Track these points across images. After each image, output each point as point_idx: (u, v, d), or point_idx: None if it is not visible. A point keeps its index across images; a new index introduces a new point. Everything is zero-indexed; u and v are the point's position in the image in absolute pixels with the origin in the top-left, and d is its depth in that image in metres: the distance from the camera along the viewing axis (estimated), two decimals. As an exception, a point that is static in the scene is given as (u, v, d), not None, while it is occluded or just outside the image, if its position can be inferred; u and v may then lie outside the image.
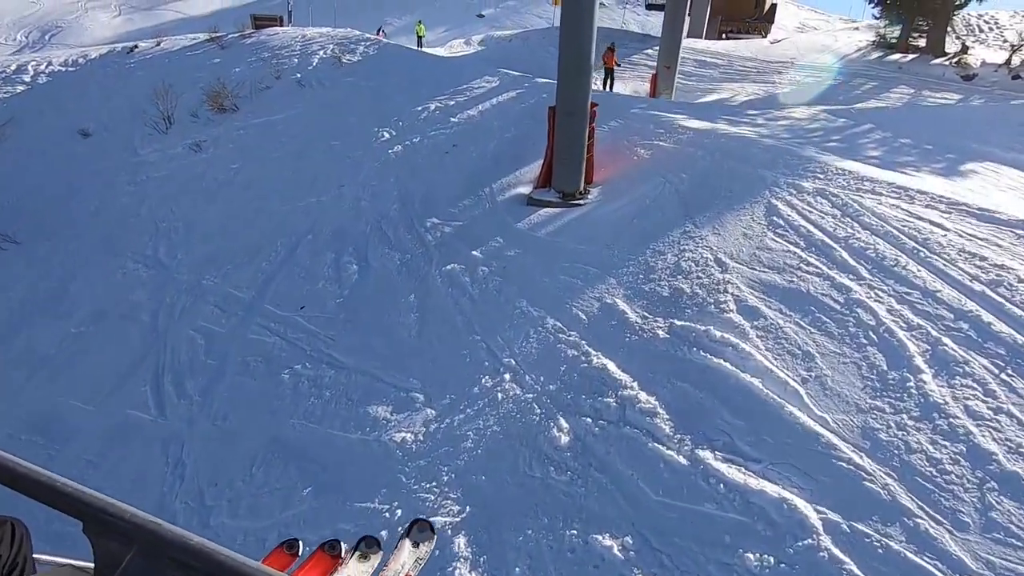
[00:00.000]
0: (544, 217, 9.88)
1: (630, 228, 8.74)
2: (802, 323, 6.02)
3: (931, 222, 7.02)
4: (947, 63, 19.15)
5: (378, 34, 31.33)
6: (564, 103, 10.35)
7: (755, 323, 6.19)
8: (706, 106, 15.50)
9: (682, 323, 6.51)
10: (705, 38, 31.67)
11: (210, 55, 27.13)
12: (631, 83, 21.45)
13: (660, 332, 6.50)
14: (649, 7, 36.43)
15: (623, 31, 29.28)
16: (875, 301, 5.97)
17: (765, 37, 36.30)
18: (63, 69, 27.99)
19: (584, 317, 7.18)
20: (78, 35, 46.38)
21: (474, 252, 9.30)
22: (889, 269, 6.36)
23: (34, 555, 1.30)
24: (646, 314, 6.88)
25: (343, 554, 1.95)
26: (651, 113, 13.12)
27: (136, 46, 28.99)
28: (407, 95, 17.53)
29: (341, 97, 19.02)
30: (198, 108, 20.74)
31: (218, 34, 29.90)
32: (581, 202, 10.19)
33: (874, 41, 21.73)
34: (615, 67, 19.93)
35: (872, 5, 22.10)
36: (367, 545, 1.94)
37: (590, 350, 6.59)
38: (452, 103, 16.15)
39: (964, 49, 19.48)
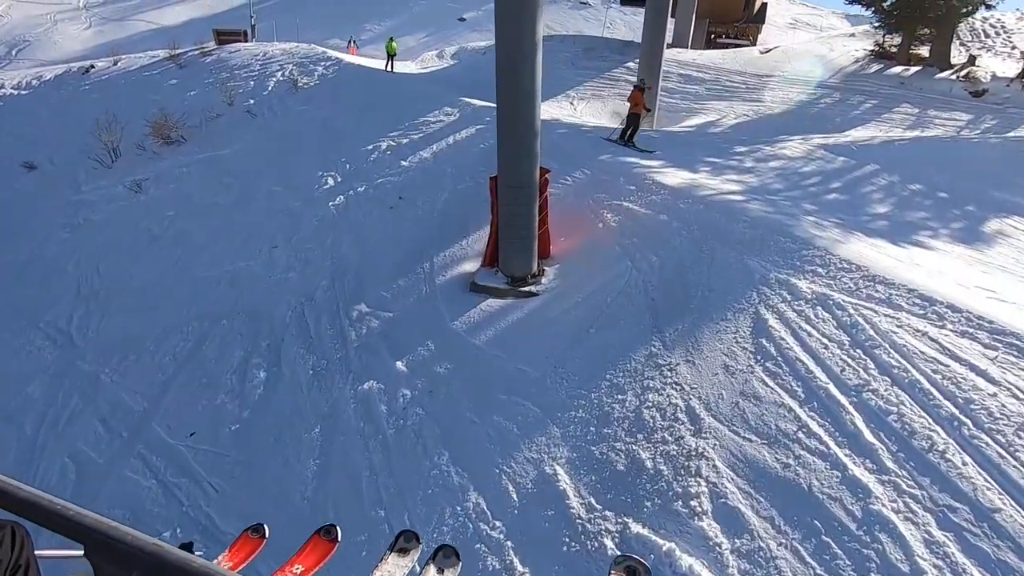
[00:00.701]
0: (486, 313, 8.01)
1: (585, 342, 6.88)
2: (803, 550, 4.18)
3: (971, 366, 5.16)
4: (954, 77, 17.19)
5: (349, 47, 29.27)
6: (507, 175, 8.42)
7: (737, 543, 4.34)
8: (688, 141, 13.56)
9: (639, 529, 4.68)
10: (691, 46, 29.62)
11: (168, 75, 25.15)
12: (610, 103, 19.48)
13: (608, 543, 4.67)
14: (627, 1, 33.03)
15: (603, 38, 27.22)
16: (905, 520, 4.13)
17: (755, 44, 34.24)
18: (15, 92, 25.98)
19: (515, 496, 5.34)
20: (46, 50, 44.17)
21: (398, 364, 7.45)
22: (921, 457, 4.52)
23: (36, 552, 1.24)
24: (594, 502, 5.04)
25: (339, 538, 2.09)
26: (622, 161, 11.20)
27: (92, 66, 26.97)
28: (359, 129, 15.61)
29: (291, 130, 17.09)
30: (145, 139, 18.85)
31: (177, 52, 27.90)
32: (532, 289, 8.31)
33: (872, 51, 19.68)
34: (644, 112, 17.46)
35: (870, 12, 20.04)
36: (406, 540, 1.93)
37: (516, 563, 4.76)
38: (405, 141, 14.23)
39: (972, 60, 17.50)
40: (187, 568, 0.87)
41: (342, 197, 12.64)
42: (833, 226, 8.22)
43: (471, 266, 9.25)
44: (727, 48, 31.48)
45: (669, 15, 17.38)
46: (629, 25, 43.59)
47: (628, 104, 16.65)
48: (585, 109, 19.41)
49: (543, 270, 8.77)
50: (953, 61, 17.93)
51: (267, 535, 2.13)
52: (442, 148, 13.51)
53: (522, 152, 8.12)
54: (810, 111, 16.97)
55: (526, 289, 8.31)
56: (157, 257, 13.52)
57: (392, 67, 24.00)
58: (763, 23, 34.23)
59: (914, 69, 17.96)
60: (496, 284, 8.44)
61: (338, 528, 2.04)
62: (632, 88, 16.22)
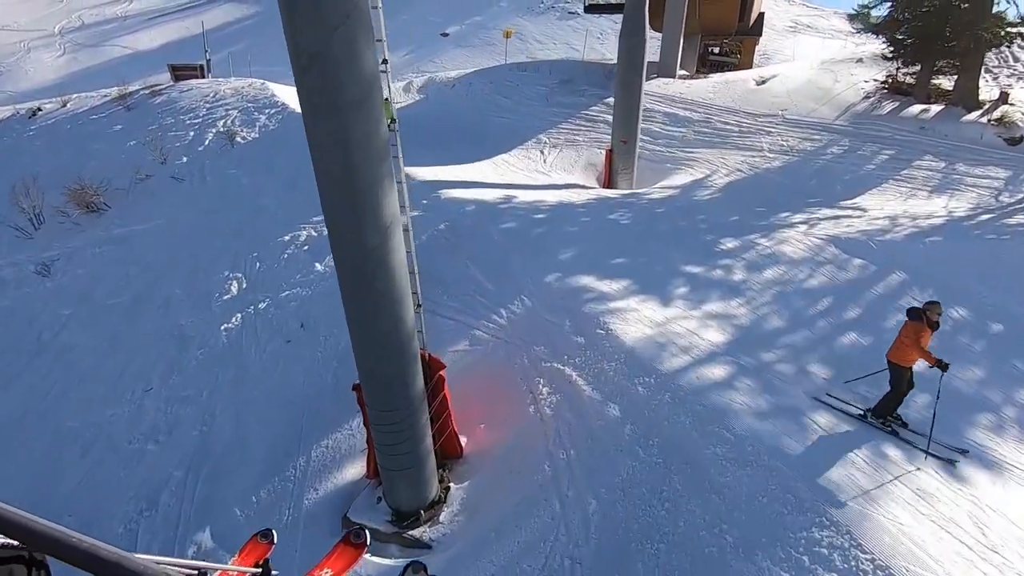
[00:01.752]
0: (351, 588, 5.36)
1: None
2: None
3: None
4: (984, 120, 14.23)
5: None
6: (374, 398, 5.64)
7: None
8: (667, 226, 10.71)
9: None
10: (683, 67, 26.59)
11: (114, 119, 22.57)
12: (586, 151, 16.67)
13: None
14: (591, 9, 28.63)
15: (584, 63, 24.32)
16: None
17: (751, 63, 31.08)
18: (-46, 142, 23.50)
19: None
20: (17, 80, 41.71)
21: None
22: None
23: None
24: None
25: (368, 542, 2.19)
26: (575, 286, 8.44)
27: (39, 109, 24.47)
28: (283, 209, 12.97)
29: (215, 203, 14.47)
30: (67, 204, 16.34)
31: (127, 91, 25.35)
32: (424, 537, 5.64)
33: (884, 83, 16.66)
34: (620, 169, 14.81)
35: (882, 43, 16.90)
36: (414, 571, 1.91)
37: None
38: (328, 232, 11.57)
39: (1004, 98, 14.51)
40: None
41: (239, 316, 10.02)
42: (864, 450, 5.46)
43: (356, 470, 6.60)
44: (723, 67, 28.44)
45: (645, 53, 14.49)
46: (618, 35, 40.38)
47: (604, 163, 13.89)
48: (557, 160, 16.60)
49: (448, 488, 6.09)
50: (982, 97, 14.97)
51: (275, 540, 2.14)
52: (366, 246, 10.83)
53: (392, 374, 5.32)
54: (814, 164, 14.10)
55: (415, 535, 5.65)
56: (33, 381, 11.02)
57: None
58: (760, 34, 31.05)
59: (936, 109, 14.99)
60: (376, 524, 5.77)
61: (367, 532, 2.07)
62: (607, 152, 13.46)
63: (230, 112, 19.90)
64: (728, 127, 16.55)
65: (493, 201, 11.61)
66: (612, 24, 40.78)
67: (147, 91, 24.35)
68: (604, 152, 15.20)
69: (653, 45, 24.97)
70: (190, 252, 12.63)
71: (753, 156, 15.13)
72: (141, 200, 16.11)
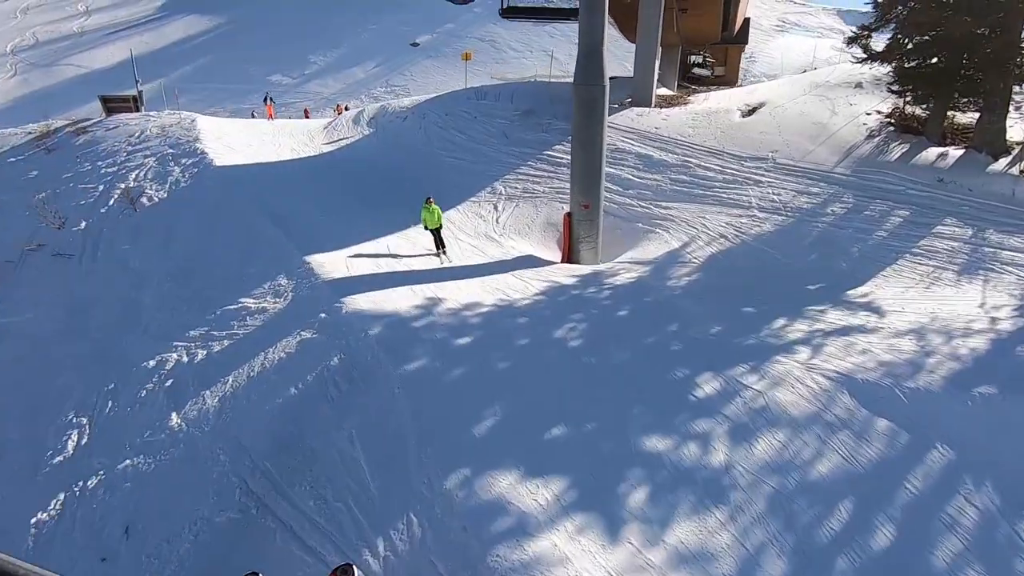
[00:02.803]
0: None
1: None
2: None
3: None
4: (1016, 170, 11.47)
5: (266, 104, 23.58)
6: None
7: None
8: (626, 353, 7.95)
9: None
10: (660, 84, 23.69)
11: (31, 164, 19.65)
12: (544, 206, 13.84)
13: None
14: (508, 13, 21.10)
15: (551, 85, 21.47)
16: None
17: (736, 76, 28.16)
18: None
19: None
20: (-34, 104, 38.52)
21: None
22: None
23: None
24: None
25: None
26: (482, 502, 5.70)
27: (-46, 150, 21.54)
28: (159, 314, 10.22)
29: (93, 292, 11.69)
30: (-51, 282, 13.54)
31: (52, 128, 22.43)
32: None
33: (890, 118, 13.85)
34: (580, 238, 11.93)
35: (888, 73, 13.83)
36: (343, 571, 1.97)
37: None
38: (200, 356, 8.81)
39: (1037, 142, 11.81)
40: None
41: (61, 499, 7.33)
42: None
43: None
44: (704, 83, 25.52)
45: (607, 103, 11.62)
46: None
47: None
48: (511, 219, 13.80)
49: None
50: (1009, 137, 12.20)
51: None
52: (234, 386, 8.07)
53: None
54: (812, 229, 11.33)
55: None
56: None
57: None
58: (746, 42, 28.11)
59: (955, 154, 12.18)
60: None
61: (355, 568, 1.89)
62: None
63: (147, 160, 17.03)
64: (710, 174, 13.75)
65: (410, 312, 8.85)
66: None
67: (72, 129, 21.42)
68: (563, 217, 12.39)
69: (627, 59, 22.00)
70: (42, 369, 9.88)
71: (740, 216, 12.36)
72: (25, 280, 13.35)
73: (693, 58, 27.87)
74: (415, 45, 38.61)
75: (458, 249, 12.29)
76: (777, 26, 39.41)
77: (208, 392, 8.15)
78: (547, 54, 38.13)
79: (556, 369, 7.63)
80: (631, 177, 14.37)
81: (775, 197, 12.64)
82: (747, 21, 27.23)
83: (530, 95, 19.20)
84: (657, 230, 12.59)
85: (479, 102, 19.23)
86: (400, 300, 9.21)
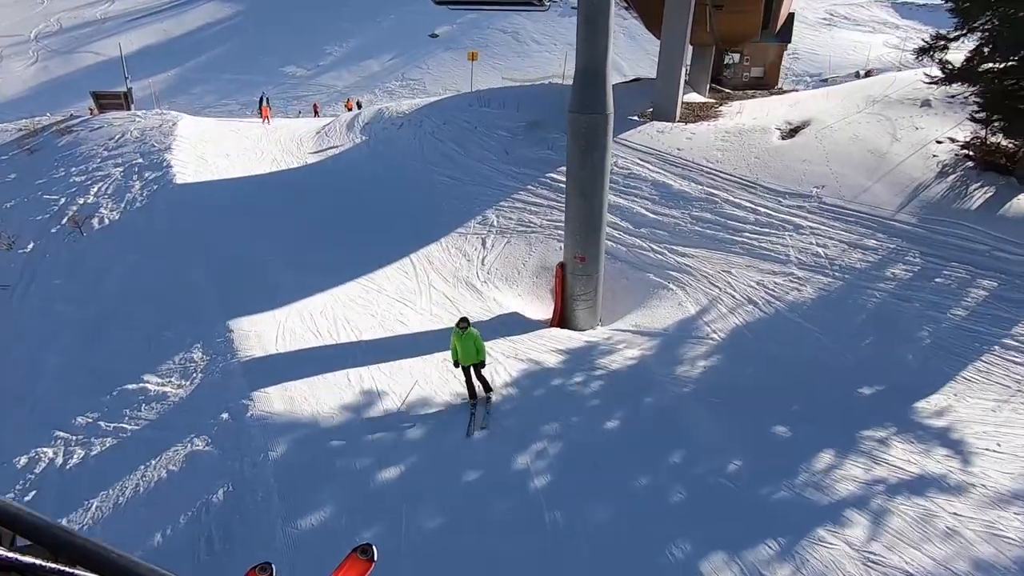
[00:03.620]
0: None
1: None
2: None
3: None
4: None
5: (261, 107, 21.45)
6: None
7: None
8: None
9: None
10: (689, 87, 20.83)
11: (11, 166, 18.15)
12: (540, 247, 11.34)
13: None
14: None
15: (561, 88, 19.01)
16: None
17: (776, 79, 24.93)
18: None
19: None
20: (-13, 91, 37.66)
21: None
22: None
23: None
24: None
25: (375, 558, 2.01)
26: None
27: (-60, 149, 20.20)
28: (68, 373, 8.34)
29: (4, 339, 9.90)
30: None
31: (39, 127, 20.91)
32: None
33: (968, 152, 10.93)
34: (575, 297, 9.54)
35: (968, 92, 10.75)
36: (261, 570, 1.92)
37: None
38: (73, 462, 6.86)
39: None
40: None
41: None
42: None
43: None
44: (746, 91, 22.47)
45: (609, 136, 9.10)
46: (631, 35, 34.36)
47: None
48: (499, 260, 11.46)
49: None
50: None
51: (376, 558, 1.99)
52: (95, 516, 6.04)
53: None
54: (867, 300, 8.67)
55: None
56: None
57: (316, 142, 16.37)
58: (789, 41, 24.85)
59: (1058, 201, 9.38)
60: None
61: (374, 548, 1.94)
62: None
63: (114, 171, 15.19)
64: (740, 214, 11.14)
65: (334, 419, 6.67)
66: (620, 23, 34.51)
67: (61, 127, 19.82)
68: (555, 267, 9.96)
69: (653, 50, 18.98)
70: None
71: (774, 273, 9.78)
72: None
73: (728, 58, 24.80)
74: (434, 36, 36.09)
75: (428, 302, 10.03)
76: (824, 20, 35.61)
77: (65, 520, 6.14)
78: (572, 48, 35.22)
79: (506, 535, 5.35)
80: (644, 212, 11.85)
81: (820, 250, 10.01)
82: (791, 17, 23.96)
83: (538, 103, 16.67)
84: (671, 285, 10.10)
85: (481, 110, 16.83)
86: (327, 396, 7.02)
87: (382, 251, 11.60)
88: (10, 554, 0.87)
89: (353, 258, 11.19)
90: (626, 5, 20.75)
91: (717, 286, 9.83)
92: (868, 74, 24.90)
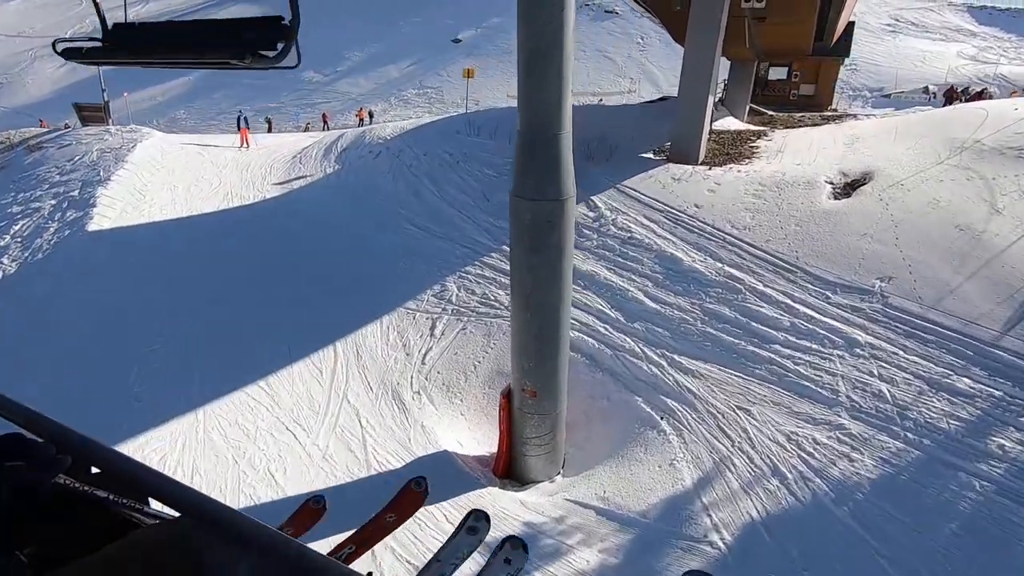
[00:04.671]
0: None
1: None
2: None
3: None
4: None
5: (239, 128, 18.68)
6: None
7: None
8: None
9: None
10: (722, 107, 17.33)
11: (-27, 185, 16.36)
12: (498, 343, 8.32)
13: None
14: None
15: (576, 107, 15.69)
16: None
17: (830, 98, 20.97)
18: None
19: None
20: (16, 93, 36.97)
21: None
22: None
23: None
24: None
25: (428, 490, 2.08)
26: None
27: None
28: None
29: None
30: None
31: (14, 141, 19.15)
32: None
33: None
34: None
35: None
36: (475, 519, 1.77)
37: None
38: None
39: None
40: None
41: None
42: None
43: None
44: (792, 116, 18.75)
45: (567, 212, 6.05)
46: (666, 42, 30.55)
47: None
48: (447, 354, 8.53)
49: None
50: None
51: (327, 507, 2.09)
52: None
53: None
54: (959, 495, 5.34)
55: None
56: None
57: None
58: (847, 55, 20.81)
59: None
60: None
61: (427, 480, 1.92)
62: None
63: (46, 205, 12.98)
64: (770, 314, 7.86)
65: None
66: (656, 29, 30.79)
67: (32, 143, 17.92)
68: (500, 397, 6.91)
69: (672, 69, 15.28)
70: None
71: (814, 423, 6.52)
72: None
73: (774, 73, 21.00)
74: (457, 41, 33.17)
75: (329, 432, 7.20)
76: (888, 26, 30.93)
77: None
78: (603, 55, 31.71)
79: None
80: (642, 297, 8.69)
81: (884, 388, 6.68)
82: (850, 27, 19.95)
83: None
84: (664, 424, 6.96)
85: (469, 139, 13.88)
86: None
87: (303, 333, 8.87)
88: (84, 487, 0.85)
89: (257, 346, 8.49)
90: (647, 11, 17.26)
91: (729, 435, 6.64)
92: (951, 93, 20.56)
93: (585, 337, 8.33)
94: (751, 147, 13.13)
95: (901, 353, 6.98)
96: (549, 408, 6.47)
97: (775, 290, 8.24)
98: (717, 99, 19.09)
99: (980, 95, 21.11)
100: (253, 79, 33.96)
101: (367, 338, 8.95)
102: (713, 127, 15.42)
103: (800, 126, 16.76)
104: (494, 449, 7.23)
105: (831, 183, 10.17)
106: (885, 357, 6.98)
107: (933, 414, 6.28)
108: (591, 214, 10.59)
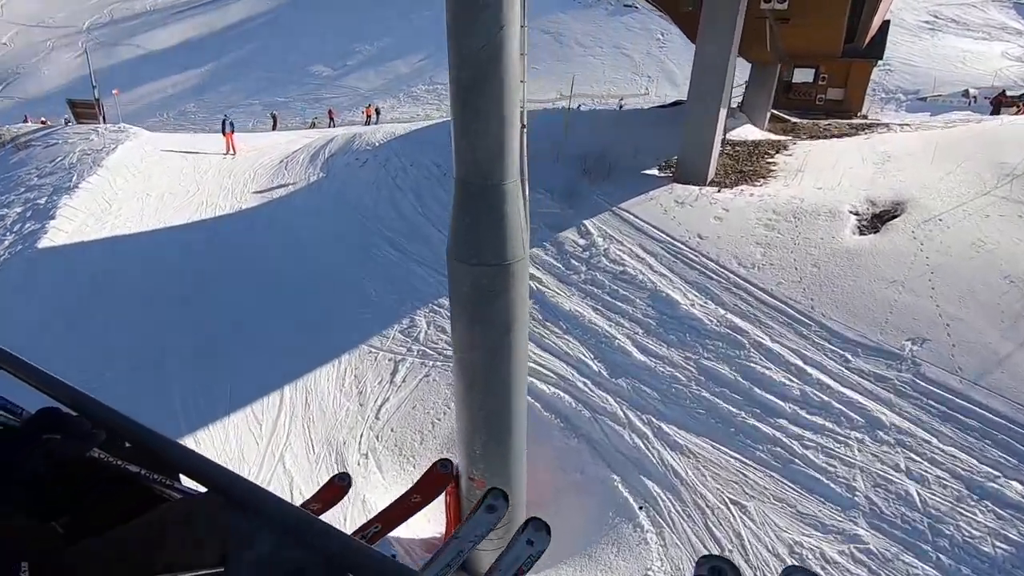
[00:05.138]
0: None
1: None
2: None
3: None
4: None
5: (224, 133, 16.76)
6: None
7: None
8: None
9: None
10: (740, 112, 15.86)
11: (-41, 185, 15.75)
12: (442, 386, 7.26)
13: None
14: None
15: (576, 111, 14.67)
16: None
17: (860, 104, 19.26)
18: None
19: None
20: (33, 82, 36.72)
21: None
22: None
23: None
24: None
25: (454, 473, 2.06)
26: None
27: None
28: None
29: None
30: None
31: (4, 139, 18.50)
32: None
33: None
34: None
35: None
36: (493, 497, 1.72)
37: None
38: None
39: None
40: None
41: None
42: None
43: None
44: (817, 123, 17.18)
45: (516, 276, 4.92)
46: (687, 39, 28.75)
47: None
48: (404, 405, 7.42)
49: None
50: None
51: (351, 484, 2.08)
52: None
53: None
54: None
55: None
56: None
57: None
58: (880, 57, 19.01)
59: None
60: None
61: (453, 462, 1.60)
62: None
63: (11, 213, 12.20)
64: (777, 378, 6.59)
65: None
66: (665, 38, 29.09)
67: (21, 141, 17.26)
68: (449, 485, 5.80)
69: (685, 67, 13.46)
70: None
71: (823, 531, 5.29)
72: None
73: (800, 76, 19.33)
74: (469, 35, 31.66)
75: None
76: (926, 24, 28.72)
77: None
78: (621, 52, 30.07)
79: None
80: (629, 348, 7.47)
81: (913, 489, 5.40)
82: (885, 26, 18.14)
83: (538, 140, 12.27)
84: (641, 517, 5.78)
85: (414, 157, 12.75)
86: None
87: (250, 374, 7.87)
88: (118, 462, 0.87)
89: (194, 392, 7.50)
90: (658, 9, 15.79)
91: (718, 538, 5.43)
92: (1000, 100, 18.60)
93: (561, 394, 7.16)
94: (768, 163, 11.70)
95: (935, 441, 5.67)
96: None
97: (785, 347, 6.95)
98: (736, 104, 17.54)
99: (1021, 99, 19.12)
100: (265, 71, 33.12)
101: (320, 382, 7.91)
102: (728, 137, 13.97)
103: (825, 135, 15.18)
104: (443, 532, 6.15)
105: (856, 214, 8.77)
106: (915, 446, 5.67)
107: (975, 531, 4.99)
108: (582, 241, 9.36)
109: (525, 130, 4.46)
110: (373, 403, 7.56)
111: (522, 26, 4.05)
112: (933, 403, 5.99)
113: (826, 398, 6.30)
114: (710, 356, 7.12)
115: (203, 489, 0.81)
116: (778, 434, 6.10)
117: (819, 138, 14.96)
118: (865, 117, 18.83)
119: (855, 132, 15.28)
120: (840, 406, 6.19)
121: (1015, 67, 24.12)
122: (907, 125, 15.60)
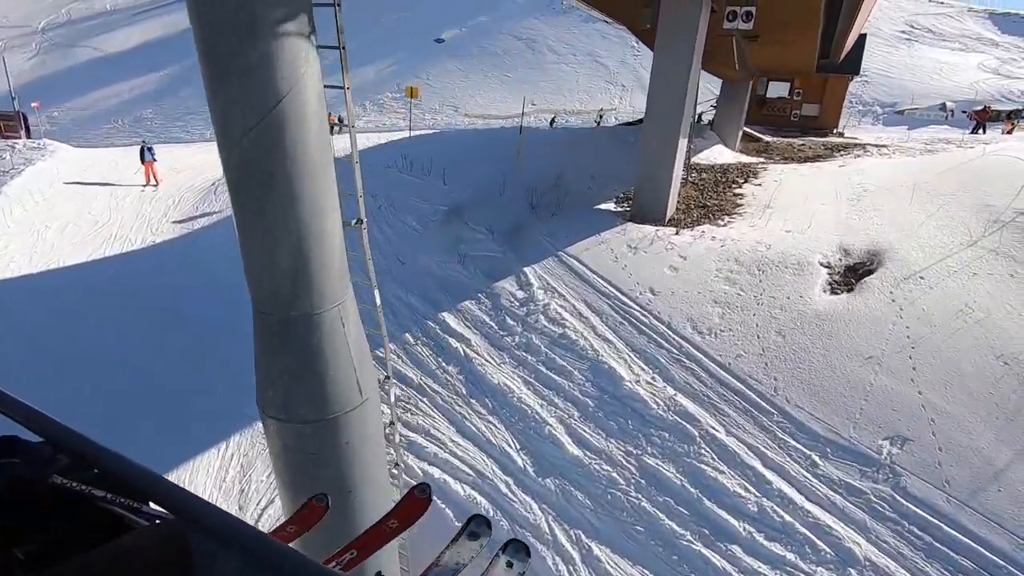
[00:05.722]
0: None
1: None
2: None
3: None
4: None
5: (143, 161, 14.08)
6: None
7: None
8: None
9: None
10: (712, 132, 14.71)
11: None
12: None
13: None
14: None
15: (546, 131, 13.45)
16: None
17: (836, 121, 18.30)
18: None
19: None
20: (-19, 87, 34.36)
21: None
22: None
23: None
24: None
25: (432, 497, 1.85)
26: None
27: None
28: None
29: None
30: None
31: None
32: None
33: None
34: None
35: None
36: (476, 525, 1.62)
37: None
38: None
39: None
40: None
41: None
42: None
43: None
44: (792, 143, 16.11)
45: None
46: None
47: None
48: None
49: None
50: None
51: (329, 505, 1.93)
52: None
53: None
54: None
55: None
56: None
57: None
58: (857, 72, 17.96)
59: None
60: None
61: (430, 487, 1.78)
62: None
63: None
64: (732, 491, 5.38)
65: None
66: (634, 67, 27.90)
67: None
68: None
69: (709, 82, 11.86)
70: None
71: None
72: None
73: (773, 91, 18.24)
74: (440, 41, 30.32)
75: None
76: (903, 34, 27.81)
77: None
78: (594, 59, 28.80)
79: None
80: (562, 437, 6.22)
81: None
82: (861, 39, 17.09)
83: (481, 168, 11.08)
84: None
85: (398, 176, 11.41)
86: None
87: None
88: (82, 487, 0.85)
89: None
90: (619, 24, 14.57)
91: None
92: (983, 114, 17.61)
93: (478, 497, 5.88)
94: (735, 195, 10.54)
95: (920, 589, 4.47)
96: None
97: (742, 442, 5.73)
98: (707, 123, 16.38)
99: (1011, 117, 18.20)
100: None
101: (199, 474, 6.54)
102: (696, 160, 12.80)
103: (799, 158, 14.07)
104: None
105: (827, 266, 7.59)
106: None
107: None
108: (520, 294, 8.08)
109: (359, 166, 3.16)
110: (255, 506, 6.22)
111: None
112: (916, 531, 4.80)
113: (789, 518, 5.09)
114: (655, 452, 5.88)
115: (170, 515, 0.79)
116: (729, 568, 4.87)
117: (793, 160, 13.85)
118: (841, 134, 17.78)
119: (831, 153, 14.20)
120: (805, 530, 4.98)
121: (991, 79, 23.27)
122: (884, 147, 14.52)
